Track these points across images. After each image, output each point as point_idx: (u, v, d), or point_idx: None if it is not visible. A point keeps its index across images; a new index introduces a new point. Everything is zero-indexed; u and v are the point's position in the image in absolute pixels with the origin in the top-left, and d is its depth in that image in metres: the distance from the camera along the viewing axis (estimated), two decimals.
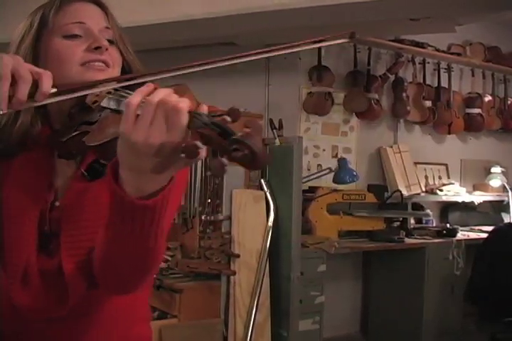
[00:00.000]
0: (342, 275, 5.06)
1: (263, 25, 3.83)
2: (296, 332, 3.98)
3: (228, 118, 0.88)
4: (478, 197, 5.76)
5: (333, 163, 4.87)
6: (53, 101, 1.07)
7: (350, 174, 4.73)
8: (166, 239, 1.13)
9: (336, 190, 4.69)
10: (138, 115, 0.92)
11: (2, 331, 1.30)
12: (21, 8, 4.48)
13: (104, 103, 1.13)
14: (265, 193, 3.79)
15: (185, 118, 0.89)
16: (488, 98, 5.99)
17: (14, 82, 1.02)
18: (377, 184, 5.21)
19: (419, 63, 5.57)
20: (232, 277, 3.55)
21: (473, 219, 5.83)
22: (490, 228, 4.93)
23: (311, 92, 4.88)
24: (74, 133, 1.14)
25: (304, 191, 4.26)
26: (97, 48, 1.22)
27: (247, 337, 3.55)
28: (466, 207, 5.82)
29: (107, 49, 1.23)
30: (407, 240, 4.75)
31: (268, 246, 3.67)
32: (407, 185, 5.25)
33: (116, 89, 1.13)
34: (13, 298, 1.23)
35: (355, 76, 5.05)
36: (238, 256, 3.58)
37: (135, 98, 0.94)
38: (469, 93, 5.93)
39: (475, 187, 5.95)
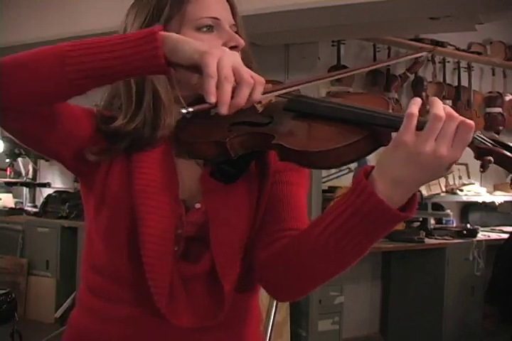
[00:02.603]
0: (361, 275, 5.05)
1: (283, 25, 3.82)
2: (315, 332, 3.98)
3: (496, 135, 0.96)
4: (498, 198, 5.72)
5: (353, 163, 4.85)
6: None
7: None
8: None
9: None
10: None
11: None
12: (25, 10, 4.52)
13: (286, 105, 1.12)
14: None
15: (471, 135, 0.94)
16: (509, 97, 5.93)
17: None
18: None
19: (439, 62, 5.53)
20: None
21: (493, 219, 5.79)
22: (511, 228, 4.89)
23: (330, 92, 4.87)
24: (235, 134, 1.09)
25: (324, 191, 4.25)
26: (233, 47, 1.17)
27: (266, 337, 3.54)
28: (487, 207, 5.78)
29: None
30: (427, 240, 4.72)
31: None
32: (426, 184, 5.22)
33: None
34: (161, 309, 1.15)
35: (374, 75, 5.03)
36: None
37: (414, 109, 0.95)
38: (490, 92, 5.87)
39: (495, 187, 5.90)
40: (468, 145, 0.94)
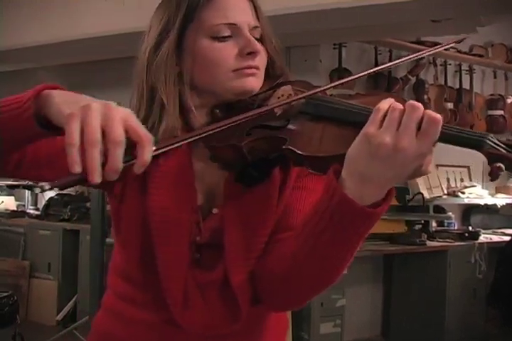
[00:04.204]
0: (363, 278, 5.04)
1: (284, 27, 3.82)
2: (317, 335, 3.98)
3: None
4: (500, 200, 5.71)
5: None
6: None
7: None
8: None
9: None
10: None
11: None
12: (25, 13, 4.51)
13: (303, 108, 1.08)
14: None
15: (439, 129, 0.89)
16: (510, 99, 5.93)
17: (104, 142, 0.83)
18: (398, 186, 5.18)
19: (441, 65, 5.53)
20: None
21: (495, 221, 5.78)
22: None
23: (332, 95, 4.85)
24: (251, 138, 1.06)
25: None
26: (249, 53, 1.14)
27: None
28: (489, 209, 5.77)
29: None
30: (429, 243, 4.71)
31: None
32: (428, 187, 5.22)
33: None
34: (176, 317, 1.15)
35: (376, 78, 5.03)
36: None
37: (383, 104, 0.92)
38: (491, 95, 5.88)
39: (497, 190, 5.90)
40: (480, 151, 0.90)
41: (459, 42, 1.21)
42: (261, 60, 1.17)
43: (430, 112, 0.89)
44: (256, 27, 1.17)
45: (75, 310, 5.03)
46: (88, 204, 5.12)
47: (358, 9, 3.38)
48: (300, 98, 1.06)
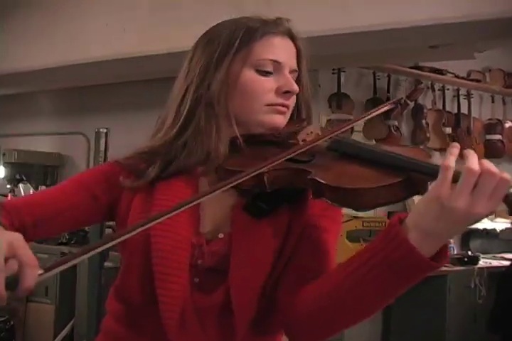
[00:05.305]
0: None
1: None
2: None
3: None
4: (500, 224, 5.70)
5: None
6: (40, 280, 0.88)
7: None
8: None
9: (355, 217, 4.65)
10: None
11: None
12: (21, 32, 4.53)
13: (328, 145, 1.14)
14: None
15: (508, 190, 0.90)
16: (508, 124, 5.95)
17: None
18: (397, 211, 5.18)
19: (439, 90, 5.56)
20: None
21: (495, 246, 5.76)
22: None
23: (330, 119, 4.88)
24: (274, 168, 1.09)
25: None
26: (286, 92, 1.21)
27: None
28: (488, 234, 5.75)
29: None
30: None
31: None
32: None
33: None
34: (170, 339, 1.15)
35: (374, 103, 5.04)
36: None
37: (451, 160, 0.91)
38: (489, 119, 5.89)
39: (497, 214, 5.87)
40: (503, 200, 0.91)
41: (397, 101, 1.35)
42: (292, 101, 1.25)
43: (503, 175, 0.89)
44: (295, 70, 1.26)
45: (72, 334, 4.99)
46: (86, 228, 5.10)
47: (357, 35, 3.40)
48: (330, 136, 1.12)
